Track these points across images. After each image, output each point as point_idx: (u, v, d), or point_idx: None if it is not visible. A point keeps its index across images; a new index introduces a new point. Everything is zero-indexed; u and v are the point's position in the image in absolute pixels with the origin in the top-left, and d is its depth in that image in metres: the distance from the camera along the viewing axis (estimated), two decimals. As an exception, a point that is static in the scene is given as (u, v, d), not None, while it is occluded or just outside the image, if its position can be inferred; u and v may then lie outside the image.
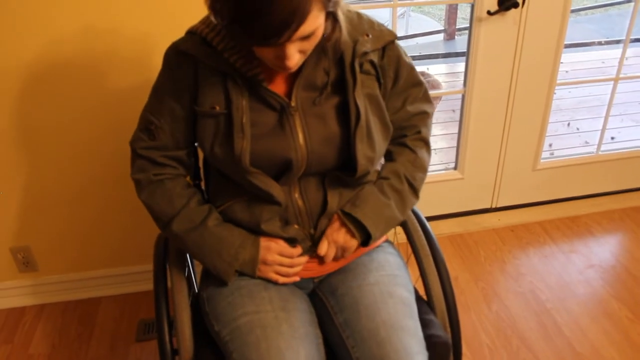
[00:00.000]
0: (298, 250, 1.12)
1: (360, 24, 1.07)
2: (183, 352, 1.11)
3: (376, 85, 1.09)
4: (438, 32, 5.54)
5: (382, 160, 1.20)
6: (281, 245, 1.10)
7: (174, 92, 1.06)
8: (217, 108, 1.03)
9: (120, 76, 1.66)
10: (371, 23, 1.09)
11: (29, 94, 1.65)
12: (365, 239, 1.12)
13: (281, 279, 1.11)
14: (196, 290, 1.35)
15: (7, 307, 2.00)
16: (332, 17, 0.95)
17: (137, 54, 1.63)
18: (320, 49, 1.03)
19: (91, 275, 2.01)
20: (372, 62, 1.07)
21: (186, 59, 1.03)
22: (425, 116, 1.21)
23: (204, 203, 1.14)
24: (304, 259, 1.13)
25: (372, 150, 1.08)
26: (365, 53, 1.05)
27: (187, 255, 1.29)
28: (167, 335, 1.13)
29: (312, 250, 1.13)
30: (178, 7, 1.57)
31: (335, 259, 1.15)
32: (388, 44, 1.10)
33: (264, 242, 1.10)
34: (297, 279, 1.13)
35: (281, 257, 1.10)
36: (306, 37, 0.88)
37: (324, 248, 1.11)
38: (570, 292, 1.95)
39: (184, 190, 1.13)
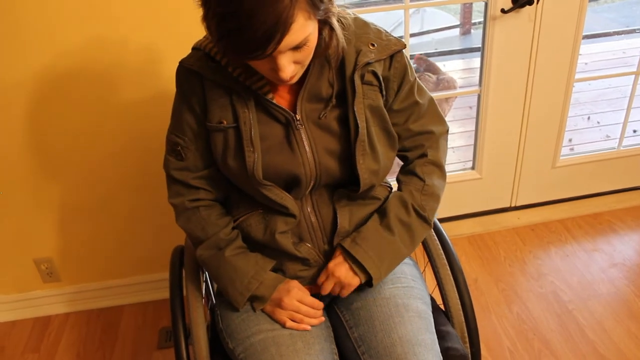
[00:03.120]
0: (320, 304, 1.11)
1: (366, 33, 1.05)
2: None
3: (379, 97, 1.06)
4: (454, 27, 5.47)
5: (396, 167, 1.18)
6: (304, 293, 1.10)
7: (188, 109, 1.06)
8: (225, 122, 1.03)
9: (133, 86, 1.67)
10: (378, 32, 1.07)
11: (44, 105, 1.67)
12: (369, 279, 1.09)
13: (289, 323, 1.07)
14: (214, 301, 1.36)
15: (33, 317, 2.04)
16: (327, 25, 0.94)
17: (147, 63, 1.64)
18: (324, 59, 1.02)
19: (113, 284, 2.04)
20: (374, 73, 1.04)
21: (193, 75, 1.04)
22: (432, 136, 1.16)
23: (232, 230, 1.14)
24: (320, 314, 1.11)
25: (376, 162, 1.06)
26: (368, 63, 1.03)
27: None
28: (184, 348, 1.13)
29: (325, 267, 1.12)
30: (185, 18, 1.57)
31: (332, 293, 1.11)
32: (395, 53, 1.07)
33: (286, 283, 1.09)
34: (307, 327, 1.08)
35: (299, 305, 1.08)
36: (297, 48, 0.88)
37: (323, 277, 1.10)
38: (593, 292, 1.93)
39: (218, 220, 1.12)
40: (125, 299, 2.07)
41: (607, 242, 2.17)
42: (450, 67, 4.30)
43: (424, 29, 5.46)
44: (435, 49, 4.82)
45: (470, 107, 3.41)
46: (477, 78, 2.12)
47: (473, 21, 5.41)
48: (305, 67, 0.96)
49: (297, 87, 1.04)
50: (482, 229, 2.29)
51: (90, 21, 1.55)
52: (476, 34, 5.36)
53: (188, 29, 1.55)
